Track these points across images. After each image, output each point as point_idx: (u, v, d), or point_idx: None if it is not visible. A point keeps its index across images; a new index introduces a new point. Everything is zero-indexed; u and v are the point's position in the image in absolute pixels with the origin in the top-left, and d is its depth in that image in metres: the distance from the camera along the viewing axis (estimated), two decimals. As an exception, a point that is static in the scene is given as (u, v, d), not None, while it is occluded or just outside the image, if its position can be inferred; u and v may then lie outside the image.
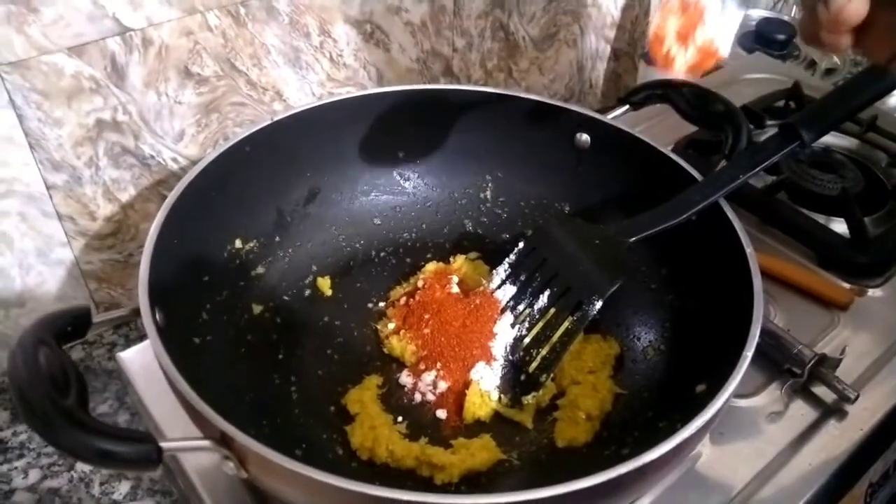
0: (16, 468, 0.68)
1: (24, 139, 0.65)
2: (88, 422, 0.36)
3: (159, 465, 0.37)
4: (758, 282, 0.49)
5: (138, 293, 0.44)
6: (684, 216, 0.54)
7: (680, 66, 0.51)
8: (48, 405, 0.35)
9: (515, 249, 0.60)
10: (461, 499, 0.35)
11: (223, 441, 0.38)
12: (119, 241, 0.75)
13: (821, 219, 0.74)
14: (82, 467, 0.69)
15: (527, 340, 0.57)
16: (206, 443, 0.38)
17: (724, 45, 0.49)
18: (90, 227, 0.73)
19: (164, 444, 0.36)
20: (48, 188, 0.68)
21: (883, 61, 0.43)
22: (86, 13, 0.63)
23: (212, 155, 0.56)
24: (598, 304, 0.53)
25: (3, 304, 0.71)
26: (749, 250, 0.51)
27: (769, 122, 0.81)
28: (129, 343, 0.78)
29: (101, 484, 0.68)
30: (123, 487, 0.68)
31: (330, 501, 0.39)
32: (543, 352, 0.55)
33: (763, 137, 0.79)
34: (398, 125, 0.67)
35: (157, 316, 0.44)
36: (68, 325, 0.41)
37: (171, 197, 0.52)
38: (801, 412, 0.61)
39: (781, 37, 1.10)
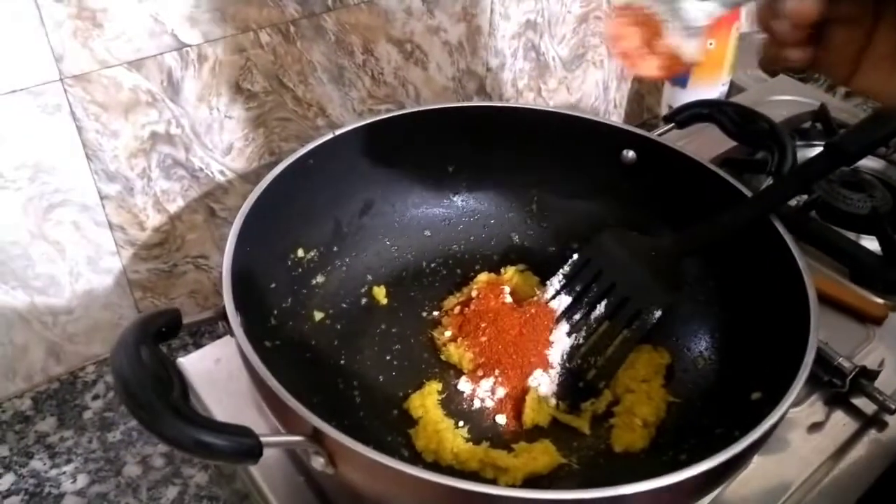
0: (64, 472, 0.69)
1: (81, 150, 0.67)
2: (193, 415, 0.37)
3: (258, 460, 0.38)
4: (812, 291, 0.51)
5: (223, 298, 0.46)
6: (737, 230, 0.56)
7: (649, 68, 0.51)
8: (153, 398, 0.37)
9: (570, 260, 0.61)
10: (560, 494, 0.37)
11: (315, 437, 0.40)
12: (165, 252, 0.77)
13: (852, 236, 0.76)
14: (129, 473, 0.70)
15: (584, 349, 0.58)
16: (299, 438, 0.40)
17: (693, 51, 0.49)
18: (139, 237, 0.74)
19: (263, 439, 0.38)
20: (101, 198, 0.70)
21: (842, 80, 0.44)
22: (146, 29, 0.65)
23: (281, 166, 0.57)
24: (658, 314, 0.55)
25: (53, 310, 0.73)
26: (802, 263, 0.53)
27: (799, 143, 0.83)
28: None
29: (149, 489, 0.69)
30: (171, 493, 0.69)
31: (416, 496, 0.40)
32: (601, 360, 0.57)
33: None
34: (449, 141, 0.69)
35: (240, 320, 0.46)
36: (162, 325, 0.43)
37: (246, 206, 0.53)
38: (843, 423, 0.62)
39: (801, 61, 1.13)
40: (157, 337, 0.42)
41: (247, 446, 0.37)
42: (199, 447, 0.36)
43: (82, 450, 0.71)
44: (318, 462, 0.40)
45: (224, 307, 0.46)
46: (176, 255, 0.78)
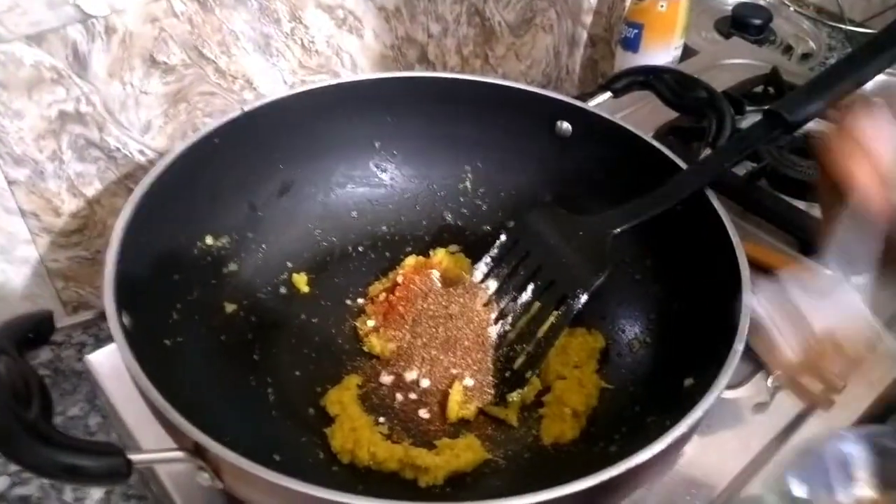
0: (-17, 476, 0.66)
1: (-19, 133, 0.62)
2: (53, 435, 0.34)
3: (128, 479, 0.35)
4: (746, 273, 0.48)
5: (104, 295, 0.42)
6: (670, 205, 0.53)
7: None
8: (9, 419, 0.33)
9: (497, 242, 0.58)
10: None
11: (197, 451, 0.37)
12: (85, 238, 0.73)
13: (802, 205, 0.73)
14: (52, 473, 0.67)
15: (511, 336, 0.55)
16: (179, 454, 0.37)
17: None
18: (55, 224, 0.70)
19: (133, 457, 0.34)
20: (10, 183, 0.66)
21: None
22: (44, 0, 0.60)
23: (179, 148, 0.53)
24: (584, 298, 0.52)
25: (-34, 304, 0.69)
26: (736, 240, 0.50)
27: (749, 108, 0.80)
28: (99, 343, 0.76)
29: (74, 490, 0.66)
30: (96, 493, 0.66)
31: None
32: (529, 347, 0.54)
33: (743, 123, 0.79)
34: (374, 114, 0.65)
35: (125, 319, 0.42)
36: (29, 331, 0.39)
37: (137, 192, 0.49)
38: (789, 402, 0.60)
39: (757, 21, 1.09)
40: (24, 344, 0.38)
41: (112, 466, 0.34)
42: (62, 472, 0.33)
43: (1, 450, 0.67)
44: (202, 478, 0.37)
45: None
46: (98, 242, 0.74)
